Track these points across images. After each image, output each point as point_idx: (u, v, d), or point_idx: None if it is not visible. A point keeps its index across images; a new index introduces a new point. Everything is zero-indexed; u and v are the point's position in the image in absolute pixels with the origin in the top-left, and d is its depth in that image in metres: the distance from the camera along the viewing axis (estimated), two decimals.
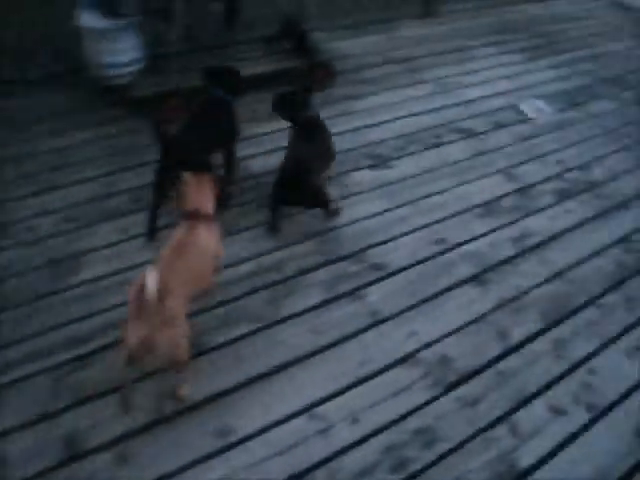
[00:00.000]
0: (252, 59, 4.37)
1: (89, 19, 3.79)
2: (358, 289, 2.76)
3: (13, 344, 2.47)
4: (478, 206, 3.36)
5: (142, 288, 1.95)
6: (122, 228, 3.06)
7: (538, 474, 2.12)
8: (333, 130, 3.47)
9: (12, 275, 2.78)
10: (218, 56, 4.31)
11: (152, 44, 4.24)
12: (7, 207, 3.17)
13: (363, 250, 2.99)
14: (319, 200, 3.04)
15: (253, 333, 2.53)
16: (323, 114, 3.50)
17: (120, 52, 3.83)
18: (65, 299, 2.66)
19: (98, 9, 3.79)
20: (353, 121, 4.07)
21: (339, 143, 3.61)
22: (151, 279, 1.92)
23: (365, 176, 3.54)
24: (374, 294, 2.74)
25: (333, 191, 3.29)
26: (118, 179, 3.42)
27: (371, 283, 2.80)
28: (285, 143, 3.13)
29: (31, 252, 2.90)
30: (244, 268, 2.83)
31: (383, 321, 2.62)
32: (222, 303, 2.66)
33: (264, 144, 3.76)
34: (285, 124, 3.17)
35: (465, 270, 2.91)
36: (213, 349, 2.46)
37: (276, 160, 3.26)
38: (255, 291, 2.72)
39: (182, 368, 2.20)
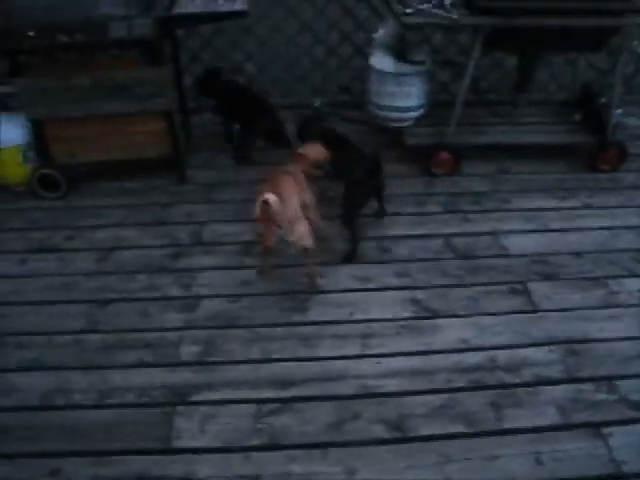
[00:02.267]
0: (535, 124, 4.07)
1: (380, 61, 3.84)
2: (600, 425, 2.31)
3: (229, 363, 2.55)
4: None
5: (264, 203, 2.61)
6: (360, 277, 3.00)
7: None
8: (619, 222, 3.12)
9: (248, 295, 2.90)
10: (500, 115, 4.11)
11: (436, 92, 4.19)
12: None
13: (615, 377, 2.51)
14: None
15: (464, 435, 2.26)
16: (605, 201, 3.13)
17: (404, 97, 3.82)
18: (289, 334, 2.67)
19: (390, 53, 3.84)
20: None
21: (609, 238, 3.20)
22: (268, 194, 2.60)
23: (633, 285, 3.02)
24: (619, 437, 2.27)
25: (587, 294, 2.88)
26: (366, 224, 3.38)
27: (618, 422, 2.33)
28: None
29: (270, 278, 3.00)
30: (474, 358, 2.57)
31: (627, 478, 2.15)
32: (437, 391, 2.43)
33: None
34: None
35: None
36: (415, 439, 2.25)
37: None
38: (479, 388, 2.43)
39: (311, 255, 2.79)
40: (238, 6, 3.37)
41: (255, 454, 2.19)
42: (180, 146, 3.60)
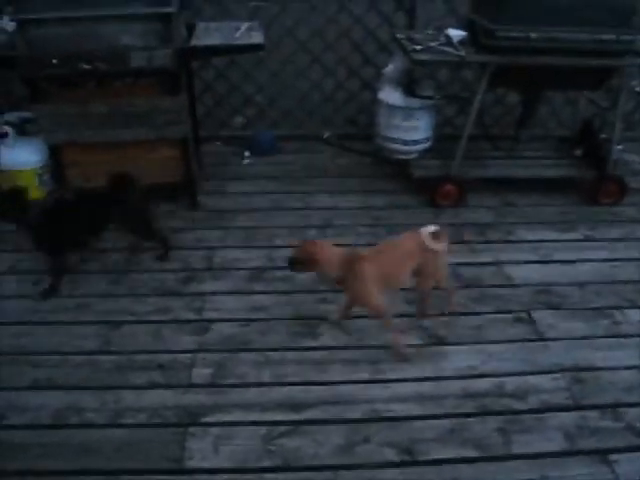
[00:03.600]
0: (537, 159, 4.18)
1: (389, 95, 3.97)
2: (606, 452, 2.35)
3: (240, 386, 2.59)
4: None
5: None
6: None
7: None
8: (621, 255, 3.19)
9: (258, 319, 2.95)
10: (503, 149, 4.22)
11: (441, 126, 4.31)
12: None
13: (620, 405, 2.55)
14: None
15: (474, 460, 2.29)
16: (606, 234, 3.19)
17: (411, 130, 3.94)
18: (299, 359, 2.72)
19: (399, 87, 3.96)
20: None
21: (611, 270, 3.28)
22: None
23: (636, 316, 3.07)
24: (625, 464, 2.30)
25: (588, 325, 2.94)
26: None
27: (624, 449, 2.36)
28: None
29: (280, 303, 3.06)
30: (480, 384, 2.61)
31: None
32: (447, 415, 2.46)
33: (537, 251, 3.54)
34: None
35: None
36: (425, 463, 2.28)
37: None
38: (487, 414, 2.47)
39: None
40: (254, 39, 3.50)
41: (267, 475, 2.22)
42: (193, 173, 3.70)
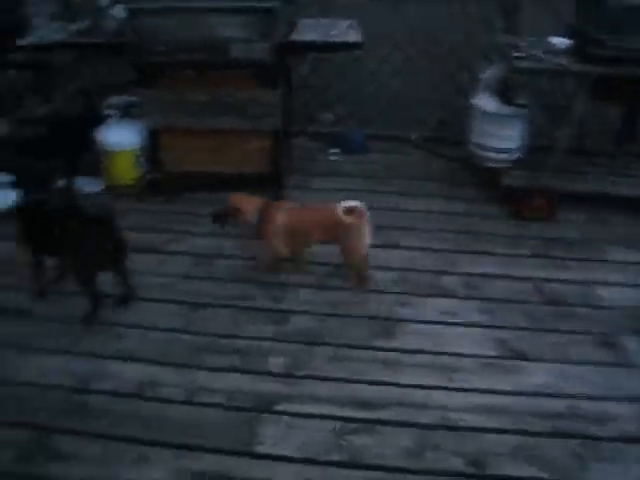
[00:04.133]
0: (635, 177, 3.99)
1: (484, 101, 3.90)
2: None
3: (314, 379, 2.62)
4: None
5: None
6: (446, 310, 3.03)
7: None
8: None
9: (336, 315, 2.97)
10: (598, 164, 4.06)
11: (535, 136, 4.19)
12: None
13: None
14: None
15: None
16: None
17: (504, 138, 3.86)
18: (373, 358, 2.72)
19: (495, 94, 3.89)
20: None
21: None
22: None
23: None
24: None
25: None
26: (455, 259, 3.41)
27: None
28: None
29: (358, 302, 3.07)
30: (557, 404, 2.53)
31: None
32: (520, 432, 2.40)
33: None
34: None
35: None
36: (495, 477, 2.22)
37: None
38: (562, 435, 2.39)
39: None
40: (352, 37, 3.53)
41: (334, 469, 2.24)
42: (281, 166, 3.76)
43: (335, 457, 2.28)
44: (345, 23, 3.77)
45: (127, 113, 4.03)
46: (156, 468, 2.26)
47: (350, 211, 2.92)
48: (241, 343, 2.80)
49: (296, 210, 3.12)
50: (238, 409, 2.48)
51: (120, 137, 3.90)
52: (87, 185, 4.04)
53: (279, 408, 2.48)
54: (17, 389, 2.60)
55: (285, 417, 2.44)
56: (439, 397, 2.54)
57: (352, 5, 4.40)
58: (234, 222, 3.08)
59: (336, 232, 2.96)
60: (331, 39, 3.53)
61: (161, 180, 3.83)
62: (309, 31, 3.66)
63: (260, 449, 2.31)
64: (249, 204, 3.06)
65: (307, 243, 3.15)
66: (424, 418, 2.44)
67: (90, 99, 4.45)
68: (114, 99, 4.14)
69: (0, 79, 4.18)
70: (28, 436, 2.38)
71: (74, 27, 4.06)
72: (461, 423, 2.43)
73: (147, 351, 2.77)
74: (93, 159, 4.12)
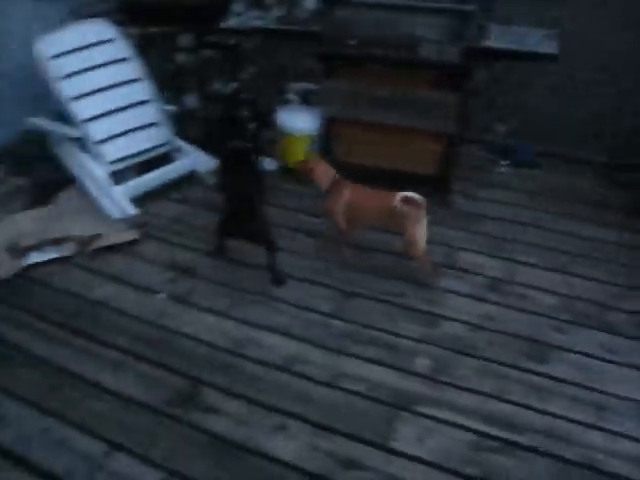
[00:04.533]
0: None
1: None
2: None
3: (458, 388, 2.58)
4: None
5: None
6: (607, 346, 2.84)
7: None
8: None
9: (488, 329, 2.91)
10: None
11: None
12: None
13: None
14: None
15: None
16: None
17: None
18: (520, 379, 2.64)
19: None
20: None
21: None
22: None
23: None
24: None
25: None
26: (624, 295, 3.16)
27: None
28: None
29: (512, 319, 2.99)
30: None
31: None
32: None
33: None
34: None
35: None
36: None
37: None
38: None
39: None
40: (549, 49, 3.40)
41: None
42: (451, 170, 3.73)
43: (468, 470, 2.25)
44: (540, 32, 3.64)
45: (306, 99, 4.19)
46: (292, 439, 2.37)
47: (408, 201, 3.00)
48: (389, 338, 2.83)
49: (360, 190, 3.22)
50: (378, 401, 2.52)
51: (297, 122, 4.08)
52: (264, 162, 4.28)
53: (418, 409, 2.48)
54: (174, 337, 2.85)
55: (423, 419, 2.44)
56: (586, 434, 2.41)
57: (545, 15, 4.23)
58: (310, 180, 3.30)
59: (391, 219, 3.07)
60: (526, 48, 3.42)
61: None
62: (502, 37, 3.58)
63: (394, 445, 2.34)
64: (323, 171, 3.26)
65: (362, 223, 3.32)
66: (568, 453, 2.32)
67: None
68: (295, 85, 4.32)
69: (196, 58, 4.50)
70: (181, 383, 2.60)
71: (272, 15, 4.31)
72: (608, 468, 2.28)
73: (298, 329, 2.89)
74: (270, 139, 4.36)
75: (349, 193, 3.19)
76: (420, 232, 3.02)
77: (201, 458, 2.29)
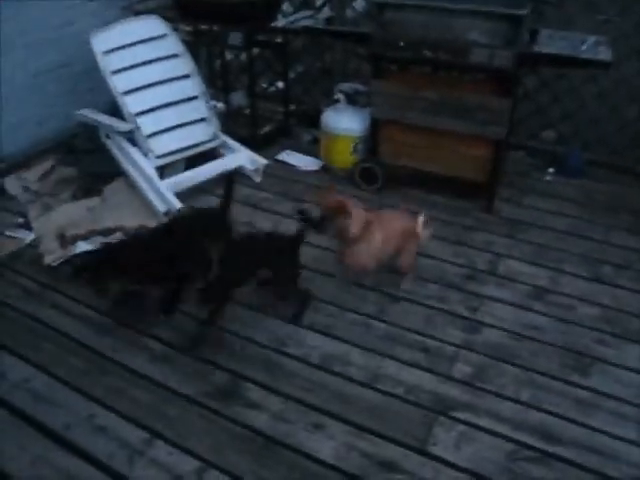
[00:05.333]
0: None
1: None
2: None
3: (497, 395, 2.56)
4: None
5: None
6: None
7: None
8: None
9: (531, 338, 2.87)
10: None
11: None
12: None
13: None
14: None
15: None
16: None
17: None
18: (562, 391, 2.59)
19: None
20: None
21: None
22: None
23: None
24: None
25: None
26: None
27: None
28: None
29: (554, 330, 2.94)
30: None
31: None
32: None
33: None
34: None
35: None
36: None
37: None
38: None
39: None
40: (602, 55, 3.33)
41: None
42: (497, 176, 3.70)
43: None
44: (592, 38, 3.57)
45: (353, 100, 4.20)
46: (328, 438, 2.39)
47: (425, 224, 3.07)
48: (430, 342, 2.82)
49: (386, 224, 2.98)
50: (417, 405, 2.51)
51: (343, 122, 4.09)
52: (306, 163, 4.31)
53: (457, 415, 2.47)
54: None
55: (461, 425, 2.43)
56: (631, 452, 2.35)
57: (596, 20, 4.15)
58: (338, 223, 2.84)
59: (407, 242, 3.05)
60: (579, 55, 3.36)
61: (376, 170, 3.95)
62: (553, 43, 3.52)
63: (432, 449, 2.33)
64: (357, 215, 2.86)
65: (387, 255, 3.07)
66: (611, 470, 2.27)
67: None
68: (343, 85, 4.34)
69: (245, 56, 4.55)
70: (224, 377, 2.65)
71: (321, 15, 4.35)
72: None
73: (340, 329, 2.91)
74: (314, 139, 4.39)
75: (379, 233, 2.93)
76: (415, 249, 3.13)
77: (239, 451, 2.33)
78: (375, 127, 3.90)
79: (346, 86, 4.34)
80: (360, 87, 4.22)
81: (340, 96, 4.20)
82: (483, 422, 2.45)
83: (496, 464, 2.29)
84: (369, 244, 2.90)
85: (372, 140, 3.96)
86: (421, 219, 3.04)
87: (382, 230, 2.94)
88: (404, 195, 3.96)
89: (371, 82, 3.80)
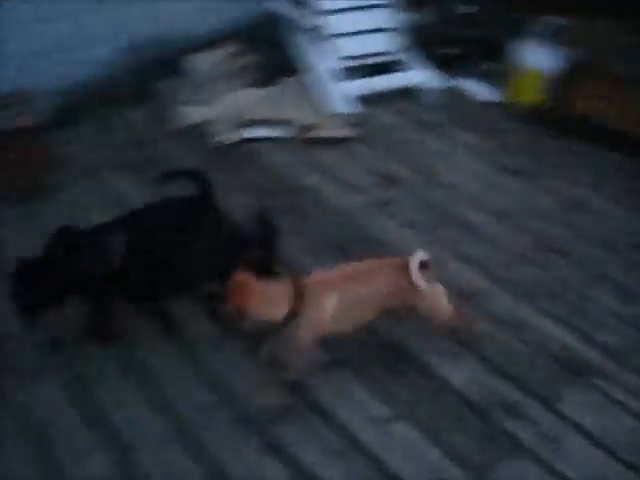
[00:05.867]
0: None
1: None
2: None
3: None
4: None
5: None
6: None
7: None
8: None
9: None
10: None
11: None
12: None
13: None
14: None
15: None
16: None
17: None
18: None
19: None
20: None
21: None
22: None
23: None
24: None
25: None
26: None
27: None
28: None
29: None
30: None
31: None
32: None
33: None
34: None
35: None
36: None
37: None
38: None
39: None
40: None
41: None
42: None
43: (624, 454, 2.12)
44: None
45: (552, 36, 3.91)
46: (464, 368, 2.41)
47: (423, 266, 2.20)
48: (583, 303, 2.71)
49: (351, 280, 2.21)
50: (557, 360, 2.45)
51: (535, 57, 3.84)
52: (486, 92, 4.14)
53: (593, 380, 2.37)
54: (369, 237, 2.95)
55: (595, 392, 2.34)
56: None
57: None
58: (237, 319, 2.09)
59: (414, 298, 2.28)
60: None
61: (558, 115, 3.72)
62: None
63: (559, 406, 2.28)
64: (266, 295, 2.09)
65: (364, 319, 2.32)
66: None
67: None
68: (548, 18, 4.01)
69: None
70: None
71: None
72: None
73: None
74: (502, 70, 4.16)
75: (336, 295, 2.15)
76: (443, 297, 2.33)
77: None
78: (568, 69, 3.63)
79: (551, 19, 4.01)
80: (564, 23, 3.90)
81: (539, 29, 3.91)
82: (618, 395, 2.33)
83: (618, 437, 2.18)
84: (308, 319, 2.14)
85: (562, 83, 3.71)
86: (414, 262, 2.18)
87: (344, 292, 2.17)
88: (578, 152, 3.64)
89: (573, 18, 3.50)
